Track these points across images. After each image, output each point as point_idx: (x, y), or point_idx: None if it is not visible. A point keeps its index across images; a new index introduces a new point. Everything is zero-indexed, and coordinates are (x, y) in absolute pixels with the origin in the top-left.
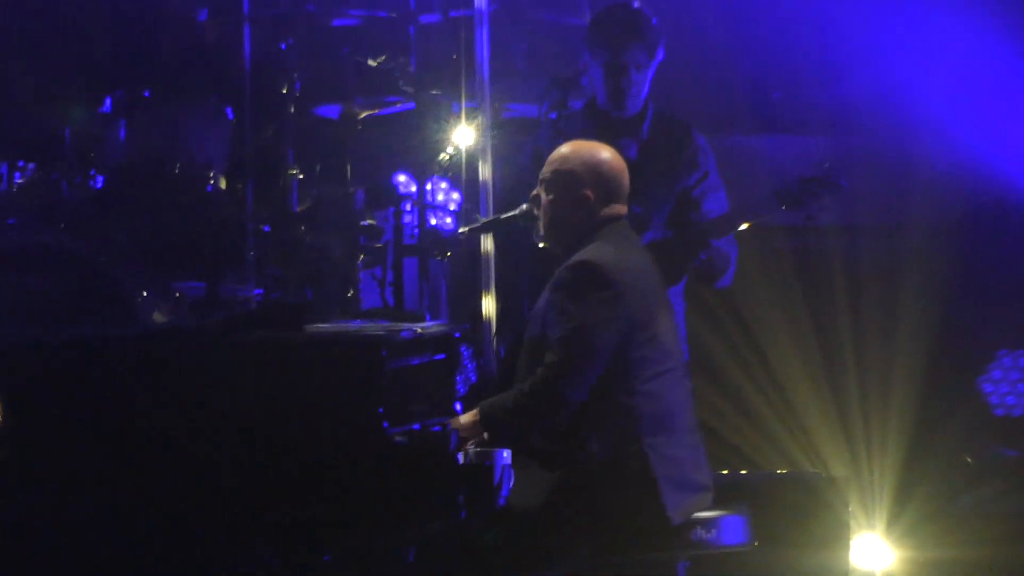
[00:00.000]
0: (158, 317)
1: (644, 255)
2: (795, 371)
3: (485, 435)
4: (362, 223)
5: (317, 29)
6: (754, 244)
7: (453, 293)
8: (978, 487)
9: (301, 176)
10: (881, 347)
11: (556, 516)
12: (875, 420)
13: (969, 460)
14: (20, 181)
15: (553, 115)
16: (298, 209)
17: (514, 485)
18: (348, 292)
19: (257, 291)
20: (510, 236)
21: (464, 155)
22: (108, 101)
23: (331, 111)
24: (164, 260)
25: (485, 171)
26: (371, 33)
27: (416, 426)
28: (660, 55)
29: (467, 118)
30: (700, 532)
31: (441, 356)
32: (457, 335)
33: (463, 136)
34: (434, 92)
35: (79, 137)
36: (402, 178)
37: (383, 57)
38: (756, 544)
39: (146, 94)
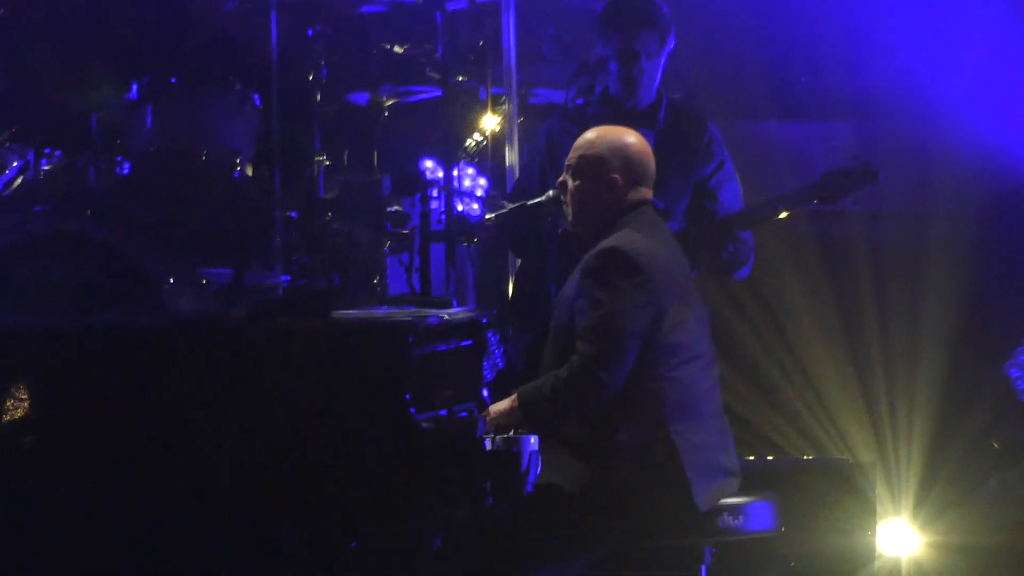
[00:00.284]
0: (184, 304)
1: (671, 241)
2: (820, 357)
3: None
4: (389, 209)
5: (344, 16)
6: (777, 231)
7: (480, 279)
8: (1004, 472)
9: (328, 163)
10: (906, 333)
11: (583, 503)
12: (901, 406)
13: (995, 445)
14: (47, 168)
15: (580, 101)
16: (325, 196)
17: (541, 472)
18: (375, 279)
19: (284, 278)
20: (537, 222)
21: (491, 141)
22: (135, 88)
23: (358, 98)
24: (191, 247)
25: (511, 157)
26: (398, 20)
27: (443, 412)
28: (671, 43)
29: (494, 104)
30: (727, 518)
31: (468, 342)
32: (484, 321)
33: (490, 122)
34: (461, 78)
35: (106, 124)
36: (429, 164)
37: (409, 44)
38: (783, 530)
39: (173, 81)
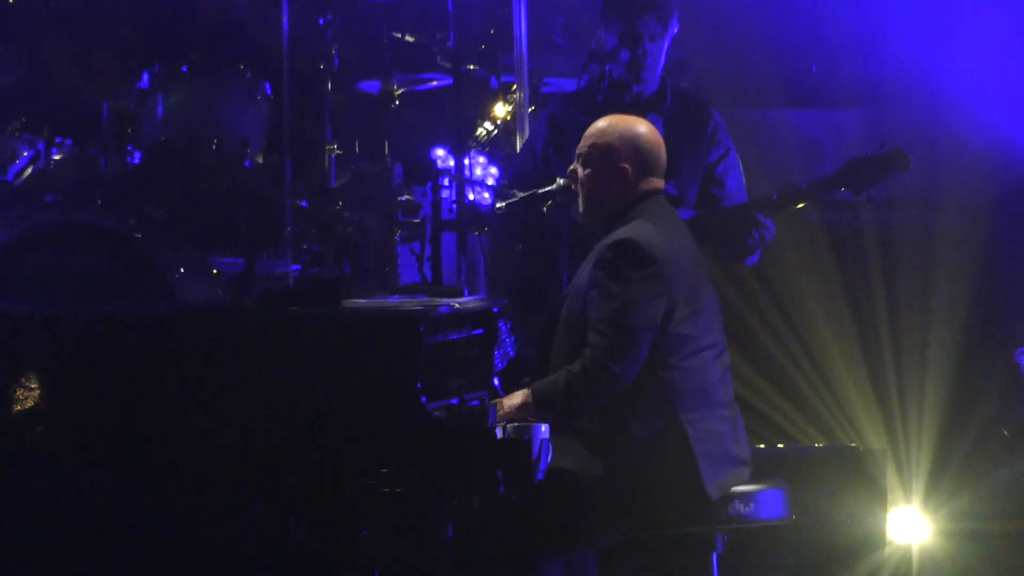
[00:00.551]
0: (195, 294)
1: (684, 230)
2: (831, 345)
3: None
4: (400, 198)
5: (355, 5)
6: (786, 219)
7: (491, 268)
8: (1015, 460)
9: (339, 152)
10: (917, 321)
11: (594, 491)
12: (911, 393)
13: (1006, 433)
14: (57, 158)
15: (585, 86)
16: (336, 185)
17: (553, 460)
18: (386, 267)
19: (295, 267)
20: (547, 212)
21: (502, 130)
22: (146, 77)
23: (369, 87)
24: (201, 237)
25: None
26: (409, 8)
27: (455, 401)
28: (674, 27)
29: (505, 93)
30: (738, 506)
31: (479, 331)
32: (495, 310)
33: (501, 111)
34: (472, 67)
35: (116, 113)
36: (440, 153)
37: (421, 32)
38: (793, 517)
39: (184, 70)
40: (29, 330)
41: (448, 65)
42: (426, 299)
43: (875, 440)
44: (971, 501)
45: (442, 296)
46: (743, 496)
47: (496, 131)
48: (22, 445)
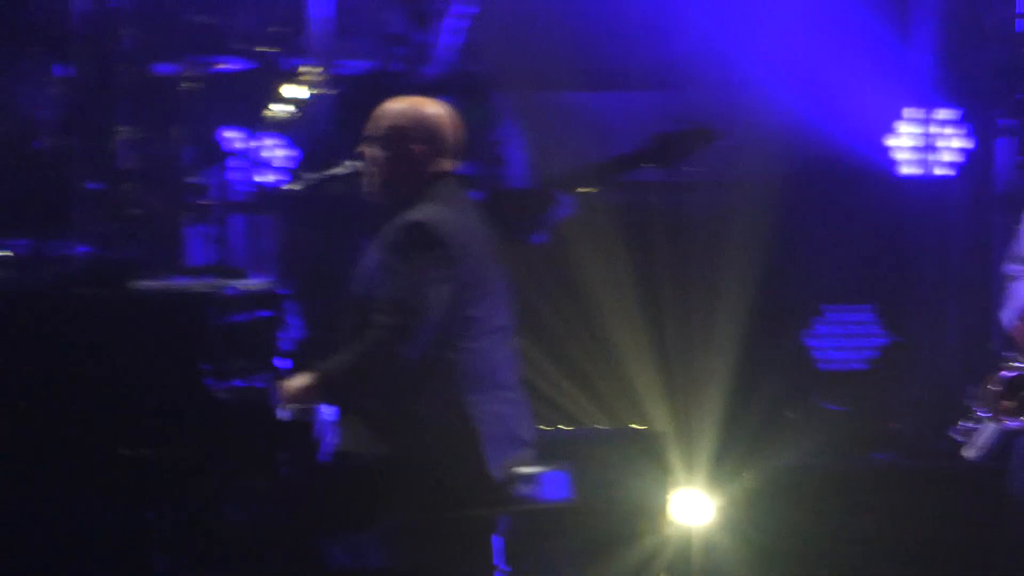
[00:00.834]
0: None
1: (475, 213)
2: (616, 327)
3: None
4: (190, 180)
5: None
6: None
7: (280, 250)
8: (800, 442)
9: (130, 133)
10: (704, 302)
11: (378, 473)
12: (697, 375)
13: (791, 415)
14: None
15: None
16: (126, 166)
17: (337, 442)
18: (175, 249)
19: (83, 248)
20: (338, 193)
21: (294, 112)
22: None
23: (164, 69)
24: None
25: (314, 128)
26: None
27: (239, 382)
28: (464, 9)
29: (299, 75)
30: (521, 488)
31: (266, 313)
32: (282, 292)
33: (294, 93)
34: (266, 50)
35: None
36: (232, 135)
37: (214, 15)
38: (577, 499)
39: None
40: None
41: (241, 48)
42: (213, 281)
43: (659, 422)
44: (754, 483)
45: (229, 278)
46: (526, 478)
47: (288, 113)
48: None
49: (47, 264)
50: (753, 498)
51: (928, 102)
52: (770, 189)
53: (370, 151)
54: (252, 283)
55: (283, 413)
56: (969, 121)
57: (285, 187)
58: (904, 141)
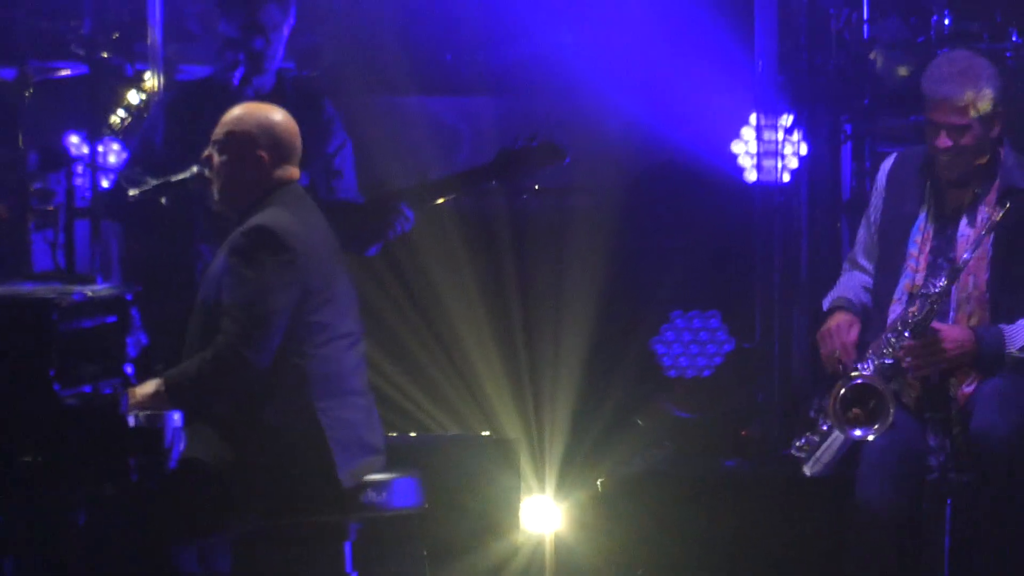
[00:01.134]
0: None
1: (320, 219)
2: (464, 333)
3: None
4: (34, 186)
5: None
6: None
7: (125, 255)
8: (650, 449)
9: None
10: (550, 309)
11: (227, 479)
12: (545, 382)
13: (640, 422)
14: None
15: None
16: None
17: (186, 448)
18: (20, 255)
19: None
20: (181, 198)
21: (136, 118)
22: None
23: (4, 73)
24: None
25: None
26: None
27: (87, 388)
28: (293, 18)
29: (139, 81)
30: (371, 495)
31: (112, 318)
32: (129, 297)
33: (135, 98)
34: (107, 55)
35: None
36: (74, 140)
37: (56, 20)
38: (427, 506)
39: None
40: None
41: (83, 52)
42: (59, 287)
43: (509, 429)
44: (604, 490)
45: (75, 283)
46: (376, 484)
47: (130, 119)
48: None
49: None
50: (603, 504)
51: (773, 108)
52: (616, 195)
53: (217, 156)
54: (100, 288)
55: (132, 419)
56: (816, 127)
57: (129, 193)
58: (750, 147)
